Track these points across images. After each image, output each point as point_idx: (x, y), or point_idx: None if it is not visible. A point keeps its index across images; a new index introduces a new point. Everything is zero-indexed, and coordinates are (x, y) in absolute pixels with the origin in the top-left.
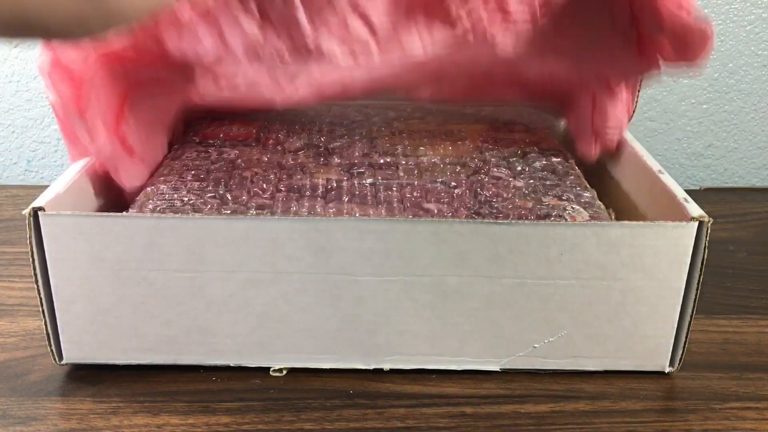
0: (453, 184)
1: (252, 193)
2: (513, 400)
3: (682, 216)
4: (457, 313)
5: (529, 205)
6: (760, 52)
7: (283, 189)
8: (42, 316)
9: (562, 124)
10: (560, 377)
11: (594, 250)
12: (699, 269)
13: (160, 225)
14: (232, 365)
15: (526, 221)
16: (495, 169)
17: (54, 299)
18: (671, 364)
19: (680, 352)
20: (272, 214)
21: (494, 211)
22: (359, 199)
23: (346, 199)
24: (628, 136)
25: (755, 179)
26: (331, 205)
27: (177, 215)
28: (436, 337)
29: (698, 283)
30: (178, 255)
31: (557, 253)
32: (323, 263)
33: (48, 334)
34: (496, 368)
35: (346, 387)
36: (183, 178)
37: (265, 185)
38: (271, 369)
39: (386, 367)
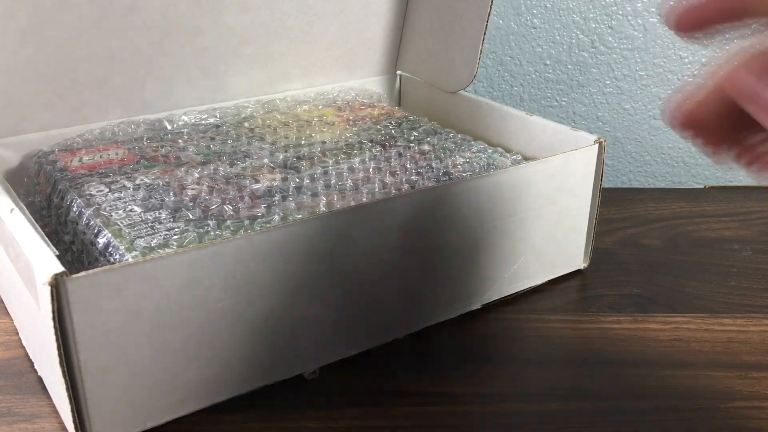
0: (383, 160)
1: (232, 206)
2: (518, 398)
3: (581, 142)
4: (452, 266)
5: (460, 161)
6: None
7: (254, 195)
8: (70, 401)
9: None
10: (565, 375)
11: (540, 183)
12: (600, 180)
13: (201, 255)
14: (270, 383)
15: (499, 170)
16: (394, 140)
17: (82, 379)
18: (584, 261)
19: (590, 249)
20: (273, 218)
21: (450, 171)
22: (337, 189)
23: (324, 192)
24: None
25: (760, 178)
26: (315, 199)
27: (216, 242)
28: (436, 295)
29: (599, 192)
30: (219, 284)
31: (519, 192)
32: (351, 253)
33: (77, 422)
34: (479, 306)
35: (351, 385)
36: (132, 211)
37: (230, 196)
38: (305, 374)
39: (401, 335)
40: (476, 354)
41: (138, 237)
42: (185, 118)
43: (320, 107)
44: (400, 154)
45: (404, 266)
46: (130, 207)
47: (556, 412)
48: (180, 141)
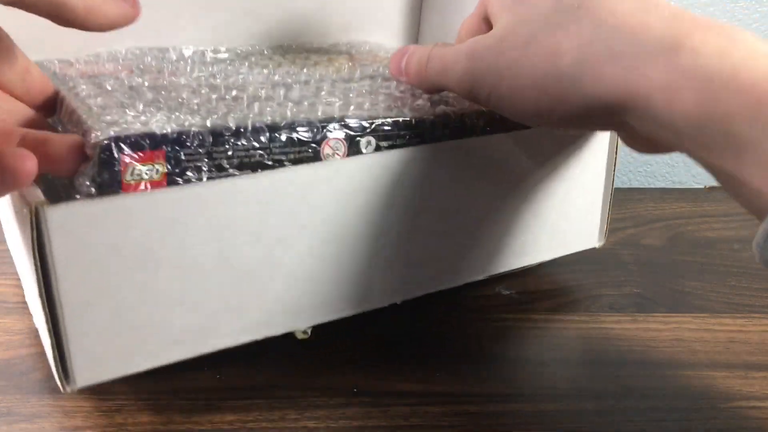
0: (385, 87)
1: (219, 100)
2: (518, 398)
3: None
4: (457, 233)
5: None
6: None
7: (236, 97)
8: (51, 337)
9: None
10: (565, 375)
11: (552, 152)
12: (615, 155)
13: (183, 195)
14: (259, 338)
15: (514, 132)
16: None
17: (62, 312)
18: (599, 239)
19: (605, 228)
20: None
21: (447, 99)
22: (324, 102)
23: (310, 99)
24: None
25: None
26: (309, 102)
27: (201, 182)
28: (440, 261)
29: (614, 168)
30: (204, 226)
31: (527, 158)
32: (345, 207)
33: (58, 358)
34: (484, 277)
35: (350, 385)
36: (111, 99)
37: (214, 95)
38: (297, 333)
39: (398, 301)
40: (476, 354)
41: (107, 115)
42: (192, 48)
43: (333, 54)
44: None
45: (405, 228)
46: (109, 97)
47: (556, 412)
48: (180, 62)
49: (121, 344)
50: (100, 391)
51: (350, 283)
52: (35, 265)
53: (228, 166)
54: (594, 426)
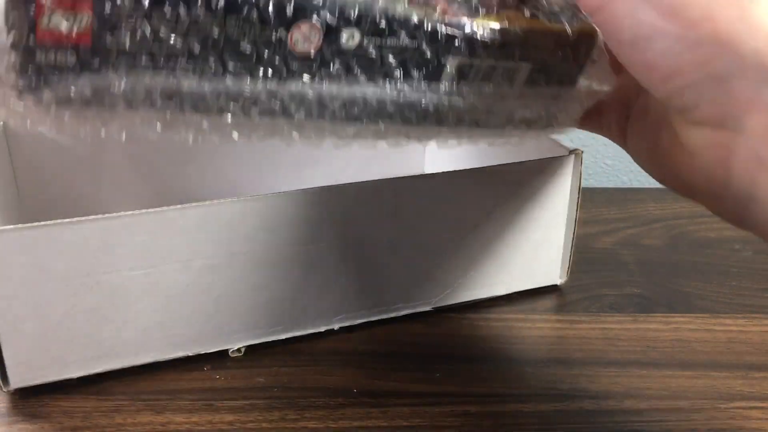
0: None
1: None
2: (518, 398)
3: (559, 150)
4: (393, 264)
5: None
6: None
7: None
8: None
9: None
10: (565, 375)
11: (503, 190)
12: (578, 193)
13: (112, 225)
14: (191, 354)
15: (465, 169)
16: None
17: None
18: (561, 276)
19: (567, 265)
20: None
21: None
22: None
23: None
24: None
25: None
26: None
27: (129, 212)
28: (374, 291)
29: (577, 206)
30: (133, 253)
31: (476, 198)
32: (275, 238)
33: None
34: (429, 308)
35: (350, 385)
36: None
37: None
38: (230, 351)
39: (336, 327)
40: (476, 354)
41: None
42: None
43: None
44: None
45: (338, 258)
46: None
47: (556, 412)
48: None
49: (54, 354)
50: (99, 392)
51: (283, 308)
52: None
53: (166, 30)
54: (594, 426)
